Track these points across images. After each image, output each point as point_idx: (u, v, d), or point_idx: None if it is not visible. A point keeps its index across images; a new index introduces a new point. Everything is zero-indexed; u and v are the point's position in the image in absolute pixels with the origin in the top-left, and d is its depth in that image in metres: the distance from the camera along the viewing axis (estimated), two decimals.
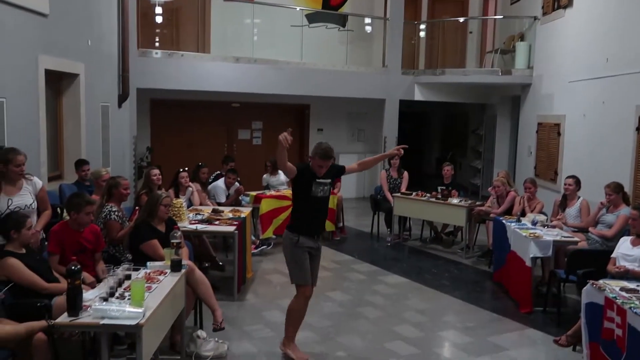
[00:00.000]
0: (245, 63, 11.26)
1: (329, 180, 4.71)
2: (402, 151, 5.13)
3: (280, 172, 9.53)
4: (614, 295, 4.17)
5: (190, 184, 7.64)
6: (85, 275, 4.42)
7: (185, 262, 4.65)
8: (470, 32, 13.33)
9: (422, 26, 13.32)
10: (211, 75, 10.98)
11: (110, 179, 5.74)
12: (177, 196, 7.33)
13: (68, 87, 7.65)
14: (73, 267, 3.55)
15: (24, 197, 4.80)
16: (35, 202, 4.92)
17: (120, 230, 5.38)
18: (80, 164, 7.19)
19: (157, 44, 11.32)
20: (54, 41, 6.86)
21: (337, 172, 4.94)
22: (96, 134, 8.46)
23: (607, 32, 8.24)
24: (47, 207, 5.12)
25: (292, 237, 4.67)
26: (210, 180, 8.65)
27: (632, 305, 3.95)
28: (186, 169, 7.65)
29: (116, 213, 5.43)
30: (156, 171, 6.72)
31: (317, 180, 4.59)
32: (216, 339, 4.92)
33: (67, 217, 4.91)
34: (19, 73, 6.08)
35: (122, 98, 9.80)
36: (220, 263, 7.16)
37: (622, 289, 4.34)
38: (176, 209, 6.24)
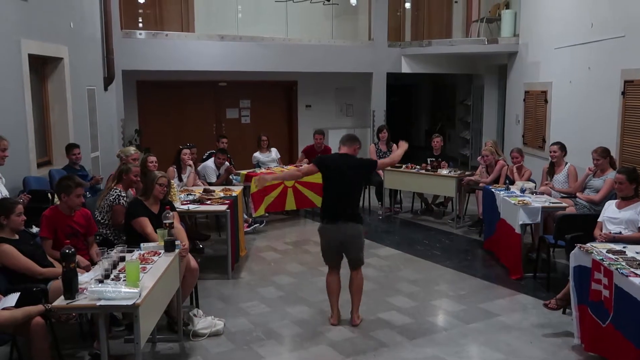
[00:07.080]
0: (230, 41, 11.16)
1: None
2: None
3: (273, 149, 9.53)
4: (600, 257, 4.25)
5: (191, 162, 7.61)
6: (80, 258, 4.44)
7: (179, 243, 4.65)
8: (456, 2, 13.21)
9: None
10: (197, 54, 10.88)
11: (123, 164, 5.82)
12: (179, 174, 7.34)
13: (52, 71, 7.58)
14: (67, 251, 3.58)
15: None
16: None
17: None
18: (71, 147, 7.18)
19: (140, 25, 11.19)
20: (35, 25, 6.78)
21: None
22: (83, 118, 8.41)
23: None
24: None
25: (363, 228, 5.14)
26: (204, 158, 8.65)
27: (619, 266, 4.03)
28: (189, 145, 7.68)
29: (124, 198, 5.44)
30: (153, 158, 6.69)
31: None
32: (212, 316, 4.98)
33: (58, 202, 4.92)
34: (2, 59, 6.02)
35: (108, 81, 9.72)
36: (201, 246, 7.25)
37: (608, 251, 4.42)
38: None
